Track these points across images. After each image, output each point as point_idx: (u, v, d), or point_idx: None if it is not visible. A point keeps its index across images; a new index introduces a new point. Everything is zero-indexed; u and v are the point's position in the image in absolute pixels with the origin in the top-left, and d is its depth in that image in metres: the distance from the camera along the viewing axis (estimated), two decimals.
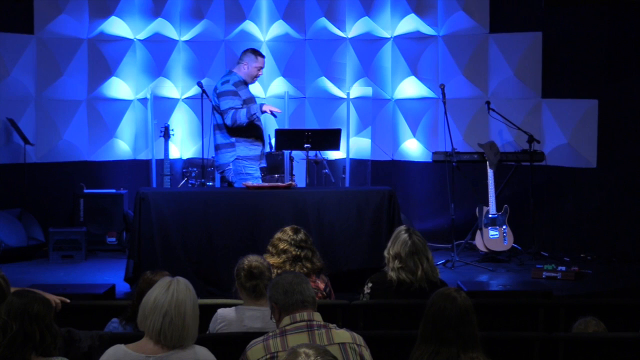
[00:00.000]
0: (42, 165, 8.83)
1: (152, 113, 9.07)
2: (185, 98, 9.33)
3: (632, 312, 4.85)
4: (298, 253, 5.01)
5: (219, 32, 9.27)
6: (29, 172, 8.56)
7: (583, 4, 8.34)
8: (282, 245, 5.04)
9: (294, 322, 3.34)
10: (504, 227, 7.95)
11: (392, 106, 9.35)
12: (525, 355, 4.08)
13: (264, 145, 7.40)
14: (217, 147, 7.36)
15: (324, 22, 9.32)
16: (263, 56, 7.37)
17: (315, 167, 8.75)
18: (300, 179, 8.16)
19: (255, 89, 9.37)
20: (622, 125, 8.31)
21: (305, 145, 7.00)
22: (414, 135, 9.25)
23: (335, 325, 3.38)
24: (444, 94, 8.21)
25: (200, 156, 8.62)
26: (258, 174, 7.32)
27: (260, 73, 7.36)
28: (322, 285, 5.07)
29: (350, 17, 9.31)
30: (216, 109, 7.26)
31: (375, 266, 5.93)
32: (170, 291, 3.24)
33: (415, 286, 4.69)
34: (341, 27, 9.34)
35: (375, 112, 9.41)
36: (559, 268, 7.19)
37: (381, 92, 9.35)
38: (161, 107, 9.20)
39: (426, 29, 9.10)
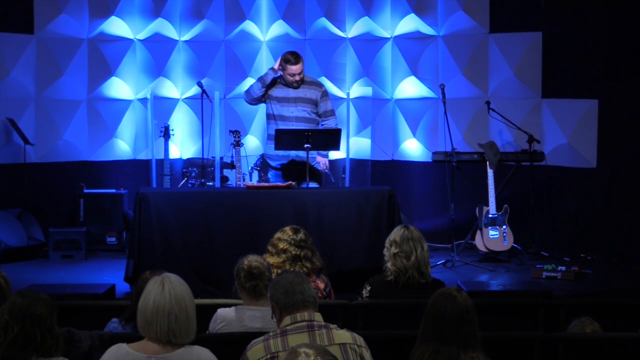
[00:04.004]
0: (42, 165, 8.83)
1: (152, 113, 9.06)
2: (185, 98, 9.33)
3: (631, 312, 4.86)
4: (298, 253, 5.01)
5: (219, 32, 9.27)
6: (29, 172, 8.55)
7: (583, 4, 8.34)
8: (281, 245, 5.04)
9: (295, 322, 3.34)
10: (504, 227, 7.95)
11: (392, 106, 9.35)
12: (525, 355, 4.08)
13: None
14: (269, 137, 7.58)
15: (324, 22, 9.32)
16: (294, 63, 7.35)
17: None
18: None
19: None
20: (622, 125, 8.31)
21: (306, 145, 7.00)
22: (414, 135, 9.25)
23: (335, 325, 3.38)
24: (444, 94, 8.22)
25: (200, 156, 8.62)
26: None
27: (295, 78, 7.39)
28: (322, 285, 5.07)
29: (350, 17, 9.31)
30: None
31: (375, 266, 5.93)
32: (166, 290, 3.21)
33: (409, 274, 4.73)
34: (341, 27, 9.34)
35: (375, 112, 9.41)
36: (559, 268, 7.19)
37: (381, 92, 9.36)
38: (161, 107, 9.20)
39: (426, 29, 9.10)
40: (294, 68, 7.35)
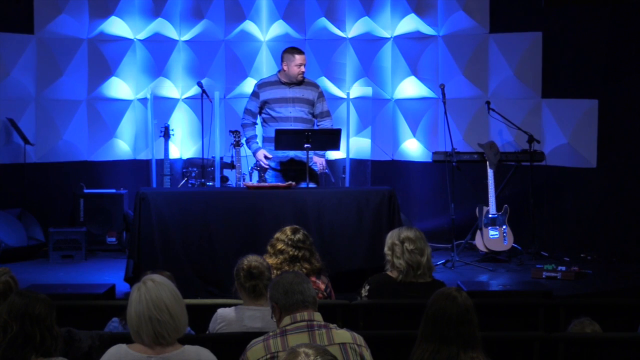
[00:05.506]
0: (42, 165, 8.83)
1: (152, 113, 9.07)
2: (185, 98, 9.33)
3: (631, 312, 4.85)
4: (295, 253, 5.00)
5: (219, 32, 9.27)
6: (29, 172, 8.56)
7: (583, 4, 8.34)
8: (279, 246, 5.04)
9: (295, 322, 3.34)
10: (504, 227, 7.95)
11: (392, 106, 9.35)
12: (525, 355, 4.08)
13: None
14: (265, 140, 7.55)
15: (324, 22, 9.32)
16: (300, 52, 7.44)
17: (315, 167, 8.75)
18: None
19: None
20: (622, 125, 8.31)
21: (305, 145, 7.00)
22: (414, 135, 9.25)
23: (335, 325, 3.38)
24: (444, 94, 8.22)
25: (200, 156, 8.62)
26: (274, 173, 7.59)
27: (301, 69, 7.40)
28: (322, 286, 5.07)
29: (350, 17, 9.32)
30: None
31: (375, 266, 5.93)
32: (142, 296, 3.20)
33: (421, 270, 4.81)
34: (341, 27, 9.34)
35: (375, 112, 9.41)
36: (559, 268, 7.19)
37: (381, 92, 9.36)
38: (161, 107, 9.20)
39: (426, 29, 9.11)
40: (301, 57, 7.40)
